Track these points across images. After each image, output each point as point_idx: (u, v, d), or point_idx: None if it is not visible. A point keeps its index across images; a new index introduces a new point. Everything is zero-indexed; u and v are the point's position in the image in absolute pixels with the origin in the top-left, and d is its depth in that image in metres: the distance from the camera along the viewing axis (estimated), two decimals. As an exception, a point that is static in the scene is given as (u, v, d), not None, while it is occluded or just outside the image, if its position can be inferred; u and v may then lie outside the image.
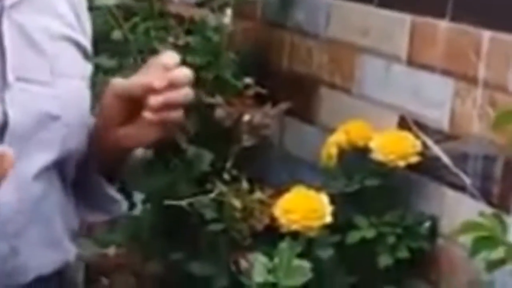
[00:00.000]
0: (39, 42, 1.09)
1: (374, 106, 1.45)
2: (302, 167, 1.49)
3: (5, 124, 1.04)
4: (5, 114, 1.03)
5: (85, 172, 1.12)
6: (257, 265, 1.11)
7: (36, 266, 1.10)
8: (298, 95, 1.55)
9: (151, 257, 1.33)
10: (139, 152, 1.21)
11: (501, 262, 1.10)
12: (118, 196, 1.15)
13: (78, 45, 1.12)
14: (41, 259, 1.11)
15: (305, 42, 1.56)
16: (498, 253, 1.08)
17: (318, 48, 1.54)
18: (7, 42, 1.05)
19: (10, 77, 1.05)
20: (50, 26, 1.11)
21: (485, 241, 1.08)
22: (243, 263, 1.18)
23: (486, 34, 1.25)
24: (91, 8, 1.24)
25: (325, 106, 1.53)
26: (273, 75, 1.60)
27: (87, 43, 1.13)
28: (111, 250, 1.42)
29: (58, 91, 1.10)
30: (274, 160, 1.55)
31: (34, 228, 1.08)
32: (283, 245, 1.13)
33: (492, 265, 1.12)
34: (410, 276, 1.34)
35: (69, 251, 1.15)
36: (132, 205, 1.26)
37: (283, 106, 1.33)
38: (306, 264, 1.15)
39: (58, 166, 1.11)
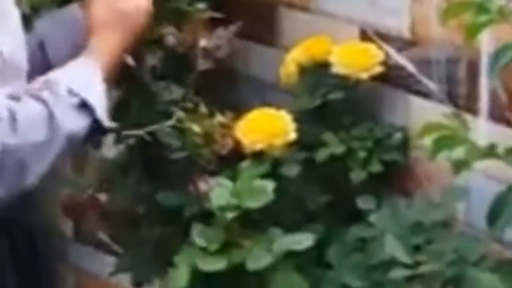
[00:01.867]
0: None
1: (334, 21, 1.39)
2: (268, 90, 1.45)
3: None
4: None
5: None
6: (218, 188, 1.08)
7: None
8: (257, 17, 1.51)
9: (118, 193, 1.30)
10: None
11: (465, 162, 1.07)
12: None
13: None
14: None
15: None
16: (459, 152, 1.04)
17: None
18: None
19: None
20: None
21: (446, 140, 1.04)
22: (203, 186, 1.15)
23: None
24: None
25: (285, 26, 1.48)
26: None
27: None
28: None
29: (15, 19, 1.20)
30: (239, 85, 1.51)
31: None
32: (244, 165, 1.10)
33: (457, 166, 1.08)
34: (385, 190, 1.29)
35: None
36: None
37: (234, 27, 1.29)
38: (269, 184, 1.12)
39: None
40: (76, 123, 1.15)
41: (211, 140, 1.19)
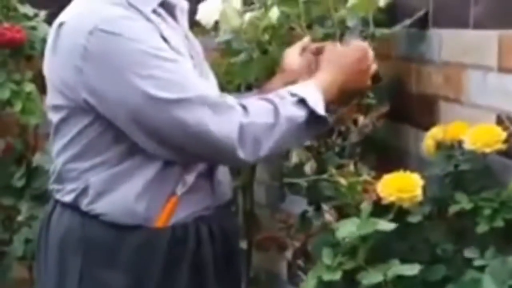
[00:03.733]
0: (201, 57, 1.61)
1: (478, 110, 1.64)
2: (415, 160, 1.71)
3: None
4: None
5: None
6: (346, 222, 1.36)
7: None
8: (422, 109, 1.81)
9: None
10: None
11: None
12: None
13: None
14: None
15: (426, 68, 1.82)
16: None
17: (435, 70, 1.79)
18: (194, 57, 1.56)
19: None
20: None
21: None
22: (328, 217, 1.44)
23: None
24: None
25: (442, 115, 1.75)
26: (405, 97, 1.86)
27: None
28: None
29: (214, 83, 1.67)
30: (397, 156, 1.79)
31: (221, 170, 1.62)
32: (365, 205, 1.37)
33: None
34: (506, 243, 1.47)
35: None
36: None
37: (383, 109, 1.60)
38: (390, 224, 1.36)
39: None
40: (294, 112, 1.48)
41: (355, 192, 1.50)
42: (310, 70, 1.59)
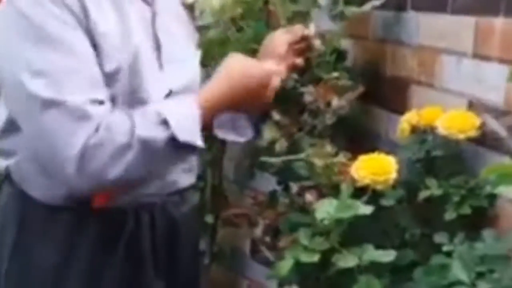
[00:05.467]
0: (178, 38, 1.48)
1: (450, 95, 1.62)
2: (388, 144, 1.70)
3: (170, 92, 1.43)
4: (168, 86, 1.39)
5: None
6: (324, 203, 1.34)
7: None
8: (395, 93, 1.78)
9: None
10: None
11: None
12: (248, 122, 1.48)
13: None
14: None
15: (401, 51, 1.79)
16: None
17: (410, 54, 1.76)
18: (161, 38, 1.44)
19: (164, 63, 1.43)
20: (177, 27, 1.50)
21: (506, 176, 1.16)
22: (308, 197, 1.42)
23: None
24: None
25: (414, 99, 1.73)
26: (379, 79, 1.84)
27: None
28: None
29: (190, 69, 1.49)
30: (370, 139, 1.77)
31: None
32: (343, 187, 1.35)
33: None
34: (473, 230, 1.46)
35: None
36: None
37: (357, 92, 1.57)
38: (368, 208, 1.34)
39: None
40: (151, 133, 1.29)
41: (331, 173, 1.47)
42: (289, 49, 1.54)
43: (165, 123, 1.32)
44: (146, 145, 1.30)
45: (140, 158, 1.30)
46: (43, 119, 1.29)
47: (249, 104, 1.41)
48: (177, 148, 1.32)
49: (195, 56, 1.53)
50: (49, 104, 1.28)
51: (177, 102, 1.38)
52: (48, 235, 1.44)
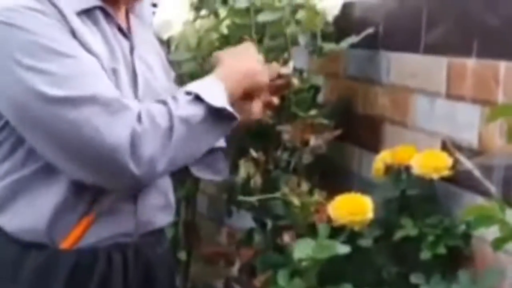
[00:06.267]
0: (155, 71, 1.47)
1: (423, 135, 1.62)
2: (364, 183, 1.70)
3: None
4: None
5: None
6: (301, 243, 1.32)
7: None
8: (368, 131, 1.78)
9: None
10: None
11: (501, 240, 1.18)
12: (225, 161, 1.46)
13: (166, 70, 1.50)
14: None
15: (374, 90, 1.79)
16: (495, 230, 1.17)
17: (382, 92, 1.76)
18: (138, 72, 1.42)
19: (140, 95, 1.41)
20: (154, 59, 1.49)
21: (483, 219, 1.14)
22: (286, 238, 1.40)
23: (503, 64, 1.40)
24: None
25: (387, 137, 1.73)
26: (351, 117, 1.83)
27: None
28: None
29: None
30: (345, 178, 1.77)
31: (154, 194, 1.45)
32: (321, 227, 1.34)
33: (495, 244, 1.23)
34: (449, 269, 1.46)
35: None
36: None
37: (335, 132, 1.57)
38: (345, 247, 1.33)
39: None
40: (189, 111, 1.30)
41: (307, 212, 1.46)
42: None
43: (197, 98, 1.33)
44: (188, 123, 1.31)
45: (185, 137, 1.31)
46: (79, 117, 1.25)
47: (251, 84, 1.44)
48: (216, 118, 1.34)
49: (173, 90, 1.51)
50: (82, 101, 1.26)
51: (199, 81, 1.40)
52: (19, 274, 1.38)
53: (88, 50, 1.33)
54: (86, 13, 1.39)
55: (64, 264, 1.38)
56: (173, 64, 1.65)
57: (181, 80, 1.68)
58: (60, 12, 1.33)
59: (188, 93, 1.35)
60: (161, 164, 1.29)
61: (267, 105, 1.56)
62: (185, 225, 1.98)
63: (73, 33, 1.33)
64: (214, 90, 1.36)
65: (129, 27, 1.49)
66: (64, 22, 1.33)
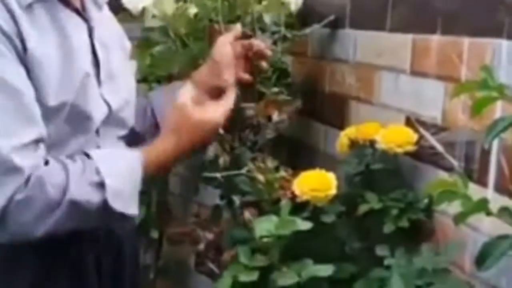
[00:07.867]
0: (113, 52, 1.41)
1: (388, 111, 1.60)
2: (328, 159, 1.67)
3: (110, 109, 1.33)
4: (107, 103, 1.33)
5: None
6: (263, 220, 1.29)
7: None
8: (334, 108, 1.75)
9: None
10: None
11: (463, 215, 1.16)
12: None
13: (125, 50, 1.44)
14: None
15: (340, 68, 1.76)
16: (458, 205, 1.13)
17: (348, 71, 1.73)
18: (99, 54, 1.36)
19: (102, 76, 1.36)
20: (114, 42, 1.44)
21: (447, 194, 1.14)
22: (247, 215, 1.37)
23: (466, 41, 1.38)
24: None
25: (352, 114, 1.71)
26: (317, 95, 1.80)
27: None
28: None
29: (127, 83, 1.42)
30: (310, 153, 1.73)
31: None
32: (283, 203, 1.31)
33: (457, 218, 1.21)
34: (411, 242, 1.44)
35: None
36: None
37: (296, 104, 1.54)
38: (307, 223, 1.30)
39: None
40: (84, 196, 1.18)
41: (272, 189, 1.43)
42: (238, 62, 1.47)
43: (101, 185, 1.22)
44: (77, 207, 1.20)
45: (69, 217, 1.20)
46: None
47: (198, 143, 1.36)
48: (108, 213, 1.23)
49: (131, 69, 1.47)
50: None
51: (123, 157, 1.28)
52: None
53: (33, 64, 1.20)
54: (40, 2, 1.28)
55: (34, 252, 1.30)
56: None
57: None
58: (9, 11, 1.21)
59: (98, 172, 1.22)
60: (36, 233, 1.19)
61: (239, 82, 1.52)
62: (157, 204, 1.95)
63: (21, 38, 1.21)
64: (126, 183, 1.24)
65: (83, 7, 1.42)
66: (13, 35, 1.19)
